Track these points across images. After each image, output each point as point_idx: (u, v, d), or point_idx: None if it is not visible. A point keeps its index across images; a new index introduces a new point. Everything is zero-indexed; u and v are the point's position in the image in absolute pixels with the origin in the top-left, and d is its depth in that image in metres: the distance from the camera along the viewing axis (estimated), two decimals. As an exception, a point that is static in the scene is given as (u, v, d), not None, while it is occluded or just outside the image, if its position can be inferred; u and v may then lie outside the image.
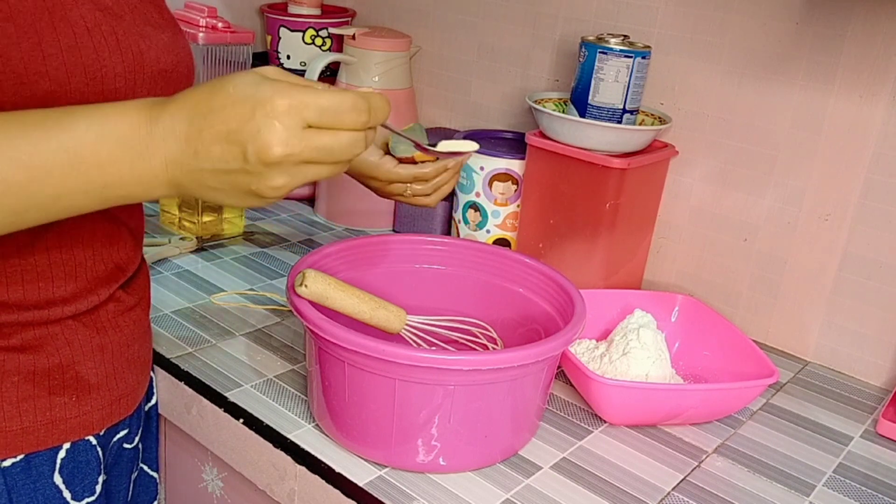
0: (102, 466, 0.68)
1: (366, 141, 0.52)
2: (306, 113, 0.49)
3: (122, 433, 0.71)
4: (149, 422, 0.79)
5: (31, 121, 0.49)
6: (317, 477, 0.73)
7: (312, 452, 0.75)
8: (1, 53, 0.50)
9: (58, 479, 0.64)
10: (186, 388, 0.84)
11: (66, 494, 0.65)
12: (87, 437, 0.65)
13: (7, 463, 0.61)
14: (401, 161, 0.84)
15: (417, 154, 0.83)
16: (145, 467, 0.79)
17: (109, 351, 0.66)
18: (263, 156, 0.48)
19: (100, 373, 0.65)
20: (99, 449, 0.67)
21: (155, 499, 0.81)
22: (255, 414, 0.80)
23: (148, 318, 0.73)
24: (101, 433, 0.67)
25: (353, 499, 0.71)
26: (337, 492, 0.72)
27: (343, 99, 0.50)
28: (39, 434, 0.62)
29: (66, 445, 0.64)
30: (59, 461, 0.64)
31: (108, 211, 0.61)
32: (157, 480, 0.81)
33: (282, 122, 0.48)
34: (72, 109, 0.50)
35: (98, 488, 0.68)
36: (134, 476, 0.77)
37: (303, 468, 0.74)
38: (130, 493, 0.76)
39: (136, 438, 0.75)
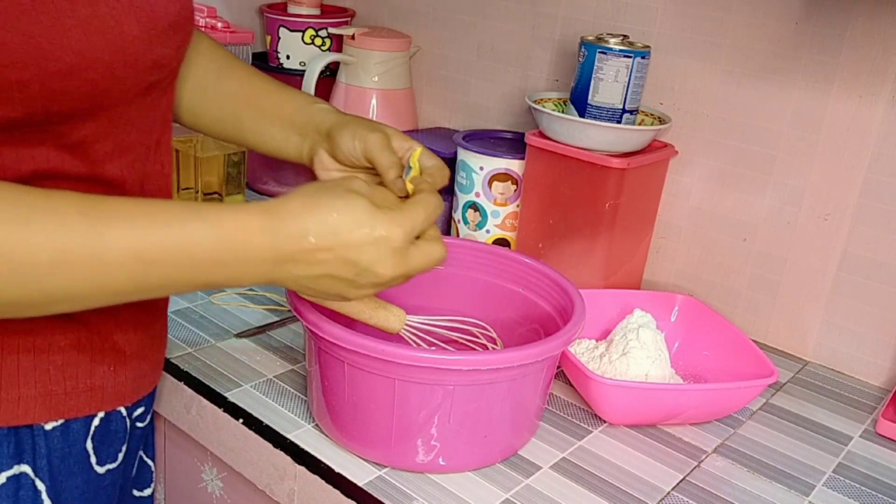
0: (127, 437, 0.70)
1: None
2: (409, 239, 0.60)
3: (139, 411, 0.73)
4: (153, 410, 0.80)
5: (156, 216, 0.53)
6: (316, 477, 0.73)
7: (312, 452, 0.75)
8: (24, 31, 0.50)
9: (89, 445, 0.66)
10: (186, 388, 0.84)
11: (93, 459, 0.67)
12: (118, 408, 0.68)
13: (49, 426, 0.63)
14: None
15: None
16: (143, 455, 0.79)
17: (142, 325, 0.68)
18: (375, 279, 0.59)
19: (132, 345, 0.67)
20: (127, 420, 0.69)
21: (150, 485, 0.82)
22: (255, 414, 0.80)
23: (167, 298, 0.75)
24: (130, 405, 0.69)
25: (352, 499, 0.71)
26: (337, 492, 0.72)
27: (425, 216, 0.61)
28: (81, 400, 0.64)
29: (101, 414, 0.66)
30: (92, 428, 0.66)
31: None
32: (153, 470, 0.82)
33: (393, 257, 0.59)
34: (185, 210, 0.54)
35: (120, 456, 0.70)
36: (139, 456, 0.78)
37: (302, 468, 0.74)
38: (135, 470, 0.78)
39: (148, 418, 0.77)
